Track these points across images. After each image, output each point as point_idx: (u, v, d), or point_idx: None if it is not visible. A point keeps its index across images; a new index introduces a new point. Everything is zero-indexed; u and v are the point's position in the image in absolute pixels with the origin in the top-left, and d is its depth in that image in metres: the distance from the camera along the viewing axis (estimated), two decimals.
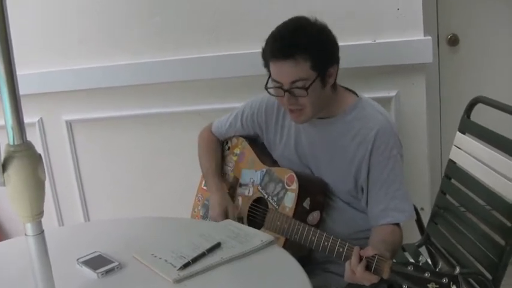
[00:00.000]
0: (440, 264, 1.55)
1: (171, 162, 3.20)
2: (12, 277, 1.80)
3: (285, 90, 2.00)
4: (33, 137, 3.19)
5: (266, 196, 2.22)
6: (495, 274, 2.06)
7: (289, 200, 2.12)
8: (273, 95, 2.08)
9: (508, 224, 2.05)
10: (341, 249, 1.85)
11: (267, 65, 2.07)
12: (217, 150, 2.53)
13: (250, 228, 2.04)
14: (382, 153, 2.05)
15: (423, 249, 2.56)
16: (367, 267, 1.70)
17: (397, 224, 2.05)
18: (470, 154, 2.35)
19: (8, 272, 1.84)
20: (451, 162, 2.47)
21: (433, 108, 3.55)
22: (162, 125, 3.16)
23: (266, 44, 2.05)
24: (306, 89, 1.98)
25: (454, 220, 2.39)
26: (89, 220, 3.39)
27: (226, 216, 2.28)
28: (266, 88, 2.07)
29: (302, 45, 1.95)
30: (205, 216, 2.47)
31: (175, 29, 2.99)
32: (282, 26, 2.03)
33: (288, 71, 1.97)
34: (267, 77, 2.09)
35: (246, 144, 2.42)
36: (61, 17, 3.06)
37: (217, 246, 1.85)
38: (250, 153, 2.38)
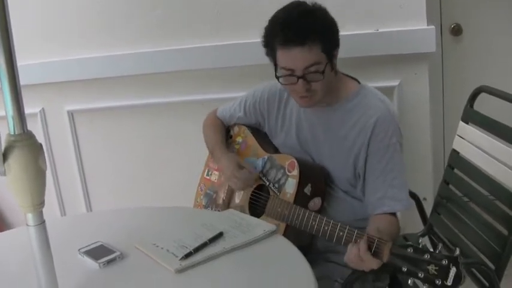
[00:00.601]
0: (440, 247, 1.53)
1: (173, 152, 3.20)
2: (15, 267, 1.80)
3: (299, 77, 1.98)
4: (35, 127, 3.20)
5: (267, 183, 2.22)
6: (498, 264, 2.05)
7: (290, 186, 2.12)
8: (284, 84, 2.05)
9: (511, 213, 2.04)
10: (341, 233, 1.85)
11: (272, 54, 2.04)
12: (223, 129, 2.53)
13: (253, 217, 2.04)
14: (381, 140, 2.05)
15: (426, 240, 2.56)
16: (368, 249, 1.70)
17: (394, 214, 2.05)
18: (473, 144, 2.34)
19: (10, 262, 1.85)
20: (454, 152, 2.46)
21: (436, 98, 3.53)
22: (164, 115, 3.15)
23: (270, 32, 2.03)
24: (322, 72, 1.97)
25: (457, 210, 2.39)
26: (91, 210, 3.40)
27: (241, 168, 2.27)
28: (277, 77, 2.04)
29: (313, 29, 1.95)
30: (207, 206, 2.47)
31: (177, 19, 2.98)
32: (286, 13, 2.01)
33: (301, 56, 1.95)
34: (274, 66, 2.06)
35: (248, 132, 2.42)
36: (62, 7, 3.05)
37: (220, 235, 1.85)
38: (252, 142, 2.38)
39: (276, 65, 2.05)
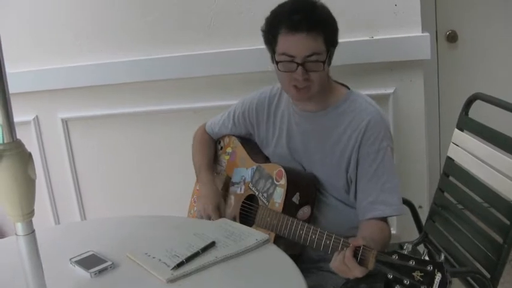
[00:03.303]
0: (425, 253, 1.53)
1: (167, 160, 3.19)
2: (6, 277, 1.78)
3: (299, 64, 1.97)
4: (29, 135, 3.19)
5: (257, 193, 2.21)
6: (493, 272, 2.04)
7: (278, 196, 2.10)
8: (282, 70, 2.03)
9: (506, 221, 2.03)
10: (328, 242, 1.83)
11: (273, 39, 2.03)
12: (211, 147, 2.53)
13: (245, 227, 2.03)
14: (372, 144, 2.04)
15: (421, 248, 2.55)
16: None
17: (385, 220, 2.03)
18: (469, 151, 2.33)
19: (1, 272, 1.83)
20: (449, 160, 2.45)
21: (432, 105, 3.53)
22: (158, 123, 3.14)
23: (276, 17, 2.03)
24: (323, 62, 1.98)
25: (452, 218, 2.38)
26: (85, 218, 3.38)
27: (219, 211, 2.25)
28: (276, 63, 2.03)
29: (320, 20, 1.97)
30: (200, 217, 2.45)
31: (171, 26, 2.97)
32: (292, 2, 2.02)
33: (305, 44, 1.96)
34: (272, 54, 2.06)
35: (237, 142, 2.41)
36: (57, 14, 3.04)
37: (212, 245, 1.84)
38: (241, 152, 2.37)
39: (274, 53, 2.05)
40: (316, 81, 2.02)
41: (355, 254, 1.66)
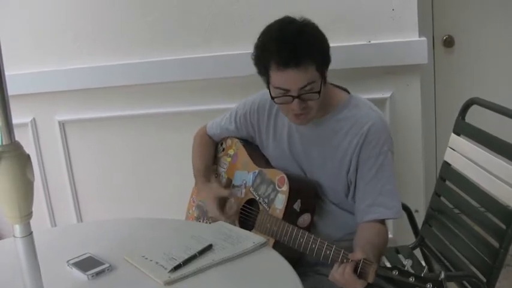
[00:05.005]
0: (426, 270, 1.53)
1: (165, 163, 3.19)
2: (5, 277, 1.77)
3: (295, 97, 1.96)
4: (26, 137, 3.19)
5: (257, 198, 2.21)
6: (489, 276, 2.05)
7: (280, 202, 2.10)
8: (279, 103, 2.03)
9: (503, 226, 2.03)
10: (328, 252, 1.83)
11: (265, 73, 2.01)
12: (210, 151, 2.52)
13: (242, 230, 2.03)
14: (373, 148, 2.04)
15: (417, 252, 2.55)
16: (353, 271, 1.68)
17: (383, 223, 2.04)
18: (465, 156, 2.34)
19: (1, 272, 1.82)
20: (446, 164, 2.46)
21: (428, 110, 3.54)
22: (156, 126, 3.15)
23: (263, 53, 2.00)
24: (319, 92, 1.96)
25: (448, 222, 2.38)
26: (81, 221, 3.38)
27: (222, 205, 2.26)
28: (272, 98, 2.02)
29: (308, 49, 1.92)
30: (199, 218, 2.46)
31: (169, 29, 2.97)
32: (278, 33, 1.97)
33: (297, 77, 1.93)
34: (267, 85, 2.04)
35: (240, 145, 2.41)
36: (55, 16, 3.05)
37: (209, 248, 1.84)
38: (243, 155, 2.37)
39: (268, 83, 2.03)
40: (314, 107, 2.01)
41: (355, 268, 1.66)
